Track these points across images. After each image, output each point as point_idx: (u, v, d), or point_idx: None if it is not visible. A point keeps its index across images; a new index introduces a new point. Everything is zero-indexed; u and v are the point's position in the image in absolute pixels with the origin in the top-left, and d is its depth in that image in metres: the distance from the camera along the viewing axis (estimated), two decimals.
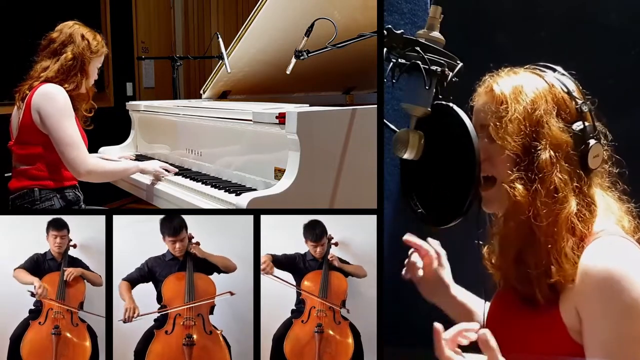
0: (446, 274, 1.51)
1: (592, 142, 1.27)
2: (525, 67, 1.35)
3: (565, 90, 1.29)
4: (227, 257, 1.69)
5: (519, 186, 1.24)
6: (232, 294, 1.67)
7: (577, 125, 1.27)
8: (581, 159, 1.26)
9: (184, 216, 1.72)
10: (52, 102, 2.36)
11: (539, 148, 1.24)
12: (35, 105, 2.36)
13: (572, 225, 1.23)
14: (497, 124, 1.28)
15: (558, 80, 1.30)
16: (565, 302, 1.22)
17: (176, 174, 2.60)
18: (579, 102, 1.28)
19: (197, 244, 1.70)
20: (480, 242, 1.44)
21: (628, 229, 1.30)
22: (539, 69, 1.33)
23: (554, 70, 1.33)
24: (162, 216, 1.72)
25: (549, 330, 1.23)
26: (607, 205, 1.31)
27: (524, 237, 1.26)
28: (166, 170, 2.60)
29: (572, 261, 1.21)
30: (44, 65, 2.44)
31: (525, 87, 1.28)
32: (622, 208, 1.33)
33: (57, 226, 1.69)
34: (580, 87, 1.32)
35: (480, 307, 1.48)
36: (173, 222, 1.70)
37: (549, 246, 1.22)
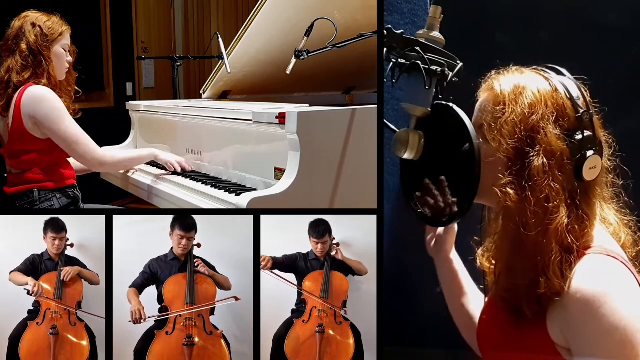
0: (451, 239, 1.58)
1: (589, 152, 1.21)
2: (533, 67, 1.30)
3: (568, 96, 1.23)
4: (228, 278, 1.69)
5: (511, 191, 1.19)
6: (237, 299, 1.67)
7: (576, 134, 1.21)
8: (576, 170, 1.21)
9: None
10: (44, 104, 2.26)
11: (531, 154, 1.19)
12: (26, 111, 2.26)
13: (561, 238, 1.18)
14: (492, 124, 1.24)
15: (563, 85, 1.24)
16: (552, 319, 1.19)
17: (174, 172, 2.60)
18: (581, 110, 1.22)
19: (198, 245, 1.70)
20: (477, 239, 1.42)
21: (625, 242, 1.27)
22: (546, 71, 1.28)
23: (562, 74, 1.27)
24: (159, 216, 1.72)
25: (536, 344, 1.20)
26: (604, 218, 1.27)
27: (515, 244, 1.21)
28: (181, 167, 2.59)
29: (559, 274, 1.16)
30: (6, 65, 2.33)
31: (527, 89, 1.23)
32: (623, 220, 1.30)
33: (56, 229, 1.69)
34: (588, 95, 1.26)
35: (470, 287, 1.55)
36: (188, 219, 1.71)
37: (538, 257, 1.17)
